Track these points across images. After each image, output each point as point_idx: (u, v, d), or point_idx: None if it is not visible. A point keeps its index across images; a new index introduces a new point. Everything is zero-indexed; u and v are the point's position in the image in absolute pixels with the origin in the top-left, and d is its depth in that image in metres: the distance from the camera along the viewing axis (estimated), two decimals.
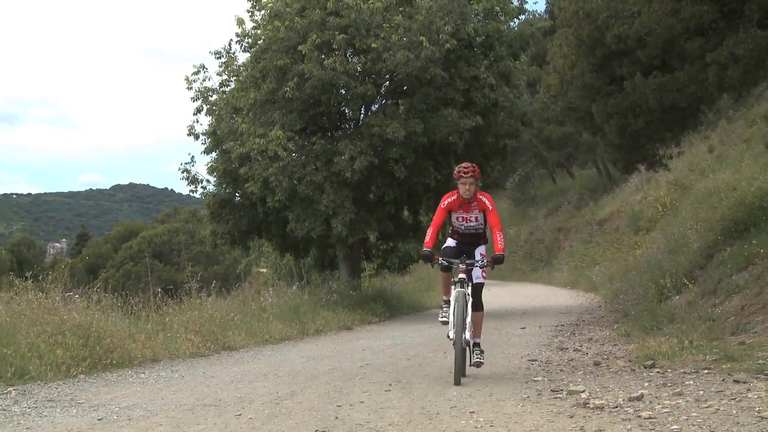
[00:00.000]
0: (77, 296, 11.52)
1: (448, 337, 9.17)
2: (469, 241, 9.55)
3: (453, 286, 9.31)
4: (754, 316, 10.31)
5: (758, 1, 11.06)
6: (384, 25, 19.08)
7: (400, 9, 19.49)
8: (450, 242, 9.68)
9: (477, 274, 9.36)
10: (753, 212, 13.48)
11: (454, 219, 9.51)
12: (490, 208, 9.30)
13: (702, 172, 25.79)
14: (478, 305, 9.42)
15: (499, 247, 9.12)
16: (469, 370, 9.31)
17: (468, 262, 9.22)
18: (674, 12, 11.96)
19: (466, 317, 9.08)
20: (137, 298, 13.31)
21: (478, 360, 9.28)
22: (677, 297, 13.51)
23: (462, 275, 9.24)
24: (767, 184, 14.65)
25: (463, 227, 9.49)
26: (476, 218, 9.42)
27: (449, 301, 9.44)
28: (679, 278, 13.93)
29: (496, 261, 9.13)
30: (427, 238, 9.31)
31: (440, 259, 9.23)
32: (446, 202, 9.40)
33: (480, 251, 9.51)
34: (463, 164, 9.29)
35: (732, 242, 13.29)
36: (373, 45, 18.82)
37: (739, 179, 18.04)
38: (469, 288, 9.32)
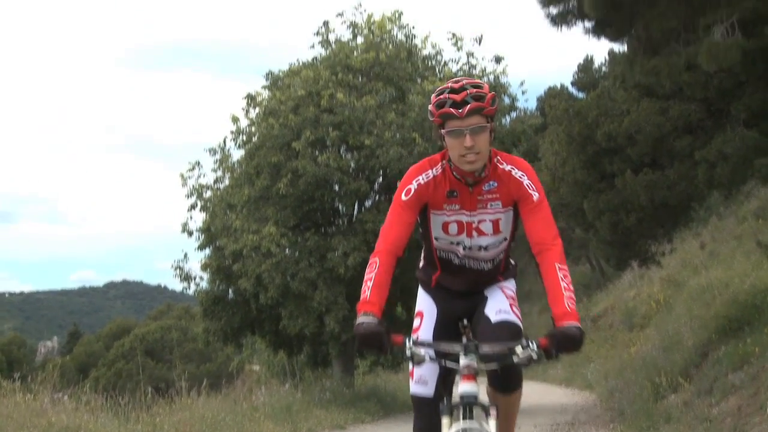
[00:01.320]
0: (66, 397, 11.38)
1: None
2: (471, 287, 4.50)
3: (447, 418, 3.79)
4: (751, 417, 10.15)
5: (744, 102, 11.27)
6: (377, 121, 19.29)
7: (393, 106, 19.74)
8: (425, 310, 4.58)
9: (501, 305, 4.38)
10: (746, 310, 13.43)
11: (437, 230, 4.36)
12: (536, 196, 4.12)
13: (695, 269, 25.81)
14: (512, 383, 4.36)
15: (565, 306, 3.90)
16: None
17: (486, 351, 3.87)
18: (662, 111, 12.18)
19: None
20: (127, 398, 13.15)
21: None
22: (673, 396, 13.35)
23: (469, 385, 3.82)
24: (760, 282, 14.63)
25: (462, 249, 4.36)
26: (494, 223, 4.29)
27: None
28: (675, 376, 13.77)
29: (562, 343, 3.84)
30: (367, 289, 4.01)
31: (409, 342, 3.90)
32: (415, 185, 4.23)
33: (506, 291, 4.50)
34: (451, 82, 4.08)
35: (727, 340, 13.19)
36: (367, 142, 18.99)
37: (732, 276, 18.04)
38: (493, 415, 3.80)
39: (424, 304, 4.65)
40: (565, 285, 3.97)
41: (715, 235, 29.20)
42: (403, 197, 4.21)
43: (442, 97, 4.01)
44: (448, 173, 4.21)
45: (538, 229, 4.08)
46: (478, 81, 4.11)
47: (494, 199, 4.19)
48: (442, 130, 4.03)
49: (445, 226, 4.30)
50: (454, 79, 4.10)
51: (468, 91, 3.95)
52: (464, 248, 4.33)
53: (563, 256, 4.06)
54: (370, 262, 4.20)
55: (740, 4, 10.12)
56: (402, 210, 4.20)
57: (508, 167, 4.19)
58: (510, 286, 4.56)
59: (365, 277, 4.12)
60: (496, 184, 4.18)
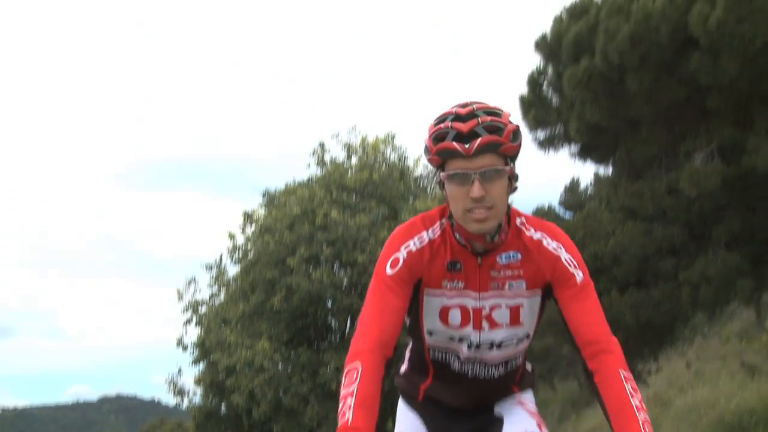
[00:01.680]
0: None
1: None
2: (475, 402, 3.20)
3: None
4: None
5: (725, 225, 11.41)
6: (370, 239, 19.47)
7: (386, 224, 19.96)
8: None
9: (525, 425, 3.12)
10: (733, 431, 13.34)
11: (431, 319, 3.02)
12: (580, 277, 2.94)
13: (681, 388, 25.62)
14: None
15: None
16: None
17: None
18: (647, 233, 12.28)
19: None
20: None
21: None
22: None
23: None
24: (745, 402, 14.56)
25: (465, 348, 3.02)
26: (513, 311, 2.98)
27: None
28: None
29: None
30: (348, 409, 2.59)
31: None
32: (404, 253, 2.93)
33: (527, 406, 3.23)
34: (457, 106, 2.77)
35: None
36: (360, 259, 19.12)
37: (718, 396, 17.93)
38: None
39: (409, 425, 3.42)
40: (637, 403, 2.67)
41: (700, 354, 29.08)
42: (389, 271, 2.86)
43: (443, 126, 2.71)
44: (449, 236, 2.90)
45: (588, 322, 2.83)
46: (495, 107, 2.78)
47: (516, 277, 2.89)
48: (443, 173, 2.75)
49: (443, 314, 2.94)
50: (461, 103, 2.78)
51: (479, 119, 2.67)
52: (469, 346, 2.97)
53: (625, 360, 2.79)
54: (347, 369, 2.80)
55: (719, 132, 10.39)
56: (387, 289, 2.83)
57: (537, 235, 2.93)
58: (530, 399, 3.26)
59: (342, 392, 2.73)
60: (519, 256, 2.89)
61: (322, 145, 21.72)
